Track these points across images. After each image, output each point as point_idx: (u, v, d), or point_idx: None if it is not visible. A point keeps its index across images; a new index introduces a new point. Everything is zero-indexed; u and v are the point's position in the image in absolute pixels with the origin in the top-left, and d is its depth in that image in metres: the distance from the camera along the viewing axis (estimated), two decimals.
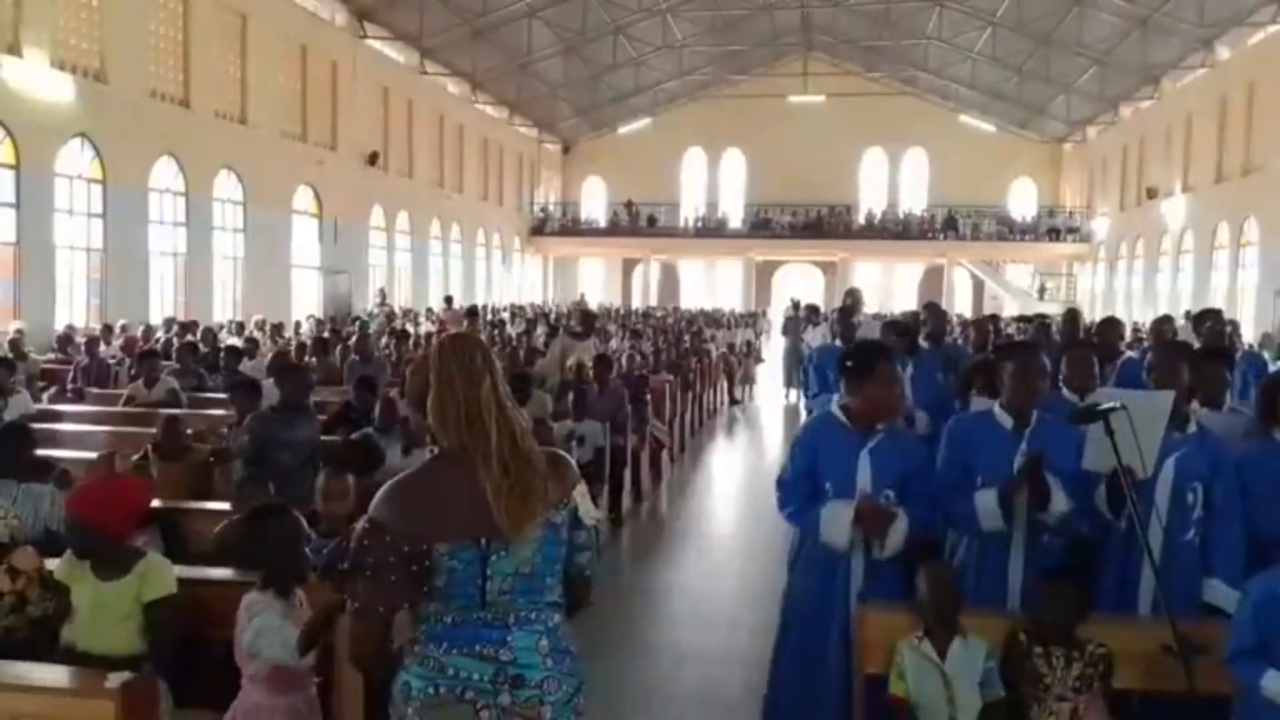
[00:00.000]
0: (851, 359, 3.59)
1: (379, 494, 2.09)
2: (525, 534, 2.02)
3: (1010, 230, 33.51)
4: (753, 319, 25.63)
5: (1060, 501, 3.30)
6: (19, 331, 11.37)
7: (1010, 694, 3.09)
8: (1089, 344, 5.82)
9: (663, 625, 5.73)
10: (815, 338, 10.17)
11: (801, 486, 3.54)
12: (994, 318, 11.09)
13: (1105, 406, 3.09)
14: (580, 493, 2.15)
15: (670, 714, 4.56)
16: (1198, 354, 4.28)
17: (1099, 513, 3.41)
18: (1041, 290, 33.85)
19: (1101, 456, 3.20)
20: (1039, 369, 3.54)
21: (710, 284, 37.56)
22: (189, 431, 6.30)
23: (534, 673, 2.02)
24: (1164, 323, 7.83)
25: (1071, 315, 8.43)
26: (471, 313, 15.21)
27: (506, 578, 2.02)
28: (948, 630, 3.13)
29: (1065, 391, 4.31)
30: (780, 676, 3.66)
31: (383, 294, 22.18)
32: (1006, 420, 3.50)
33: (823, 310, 15.72)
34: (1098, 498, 3.37)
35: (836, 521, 3.38)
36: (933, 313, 7.24)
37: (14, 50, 13.30)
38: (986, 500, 3.36)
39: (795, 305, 17.11)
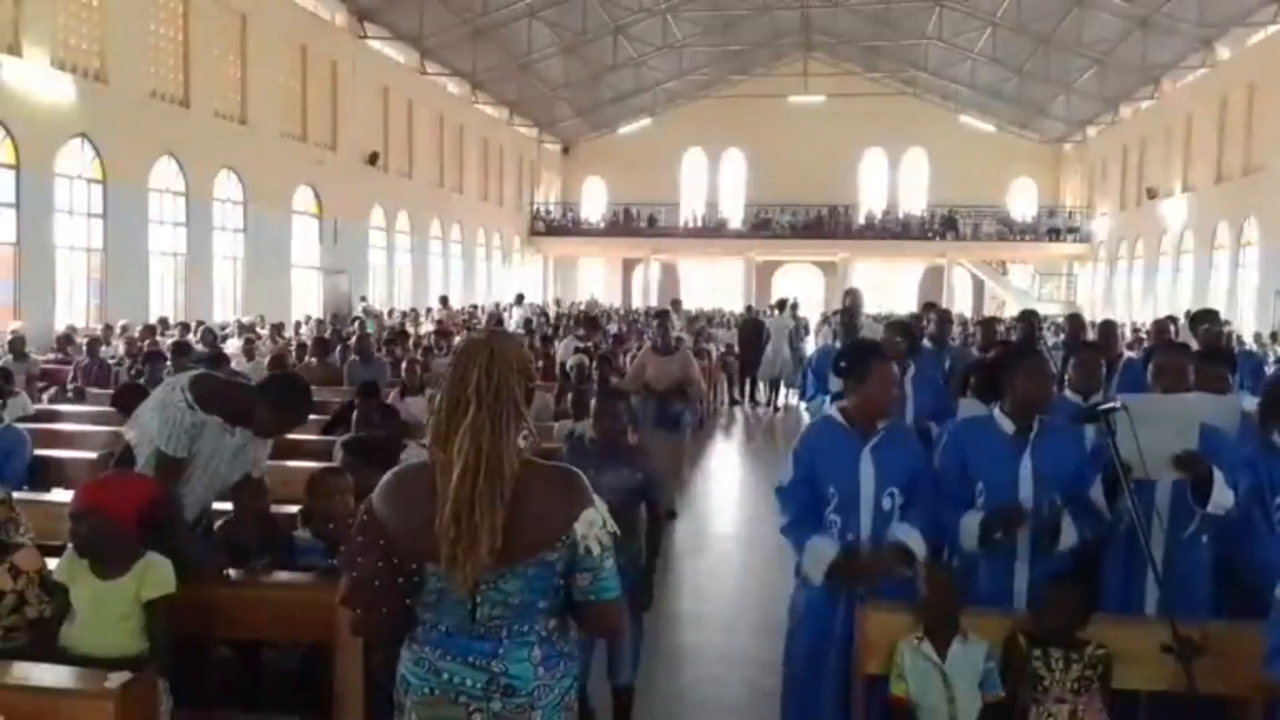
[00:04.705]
0: (846, 359, 3.57)
1: (381, 483, 2.08)
2: (474, 579, 1.94)
3: (1010, 230, 33.54)
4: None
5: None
6: (15, 332, 11.36)
7: (1010, 695, 3.09)
8: (1096, 346, 5.80)
9: (662, 625, 5.72)
10: (818, 338, 10.22)
11: (799, 495, 3.49)
12: (995, 319, 11.01)
13: (1105, 407, 3.09)
14: (585, 520, 1.99)
15: (670, 714, 4.55)
16: (1200, 355, 4.30)
17: (1099, 513, 3.36)
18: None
19: (1142, 461, 3.14)
20: (1048, 374, 3.49)
21: (710, 284, 37.56)
22: None
23: (526, 683, 2.01)
24: (1167, 323, 7.81)
25: (1076, 319, 8.33)
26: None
27: (496, 605, 2.00)
28: (948, 631, 3.12)
29: (1069, 393, 4.30)
30: (790, 679, 3.63)
31: (362, 299, 22.07)
32: (1008, 426, 3.44)
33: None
34: (1094, 493, 3.31)
35: (816, 559, 3.38)
36: (936, 314, 7.21)
37: (14, 50, 13.30)
38: (969, 524, 3.35)
39: (782, 305, 16.92)
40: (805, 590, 3.54)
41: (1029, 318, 8.26)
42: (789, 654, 3.64)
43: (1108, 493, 3.30)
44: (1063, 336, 15.55)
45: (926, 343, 6.63)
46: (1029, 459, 3.37)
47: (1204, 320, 7.28)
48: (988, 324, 8.65)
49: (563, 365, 10.20)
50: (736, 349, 16.41)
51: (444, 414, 1.99)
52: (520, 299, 21.16)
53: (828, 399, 5.87)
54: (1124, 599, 3.42)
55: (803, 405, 8.62)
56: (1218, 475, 3.16)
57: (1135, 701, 3.28)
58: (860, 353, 3.58)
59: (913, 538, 3.33)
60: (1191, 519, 3.36)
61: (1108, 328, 7.23)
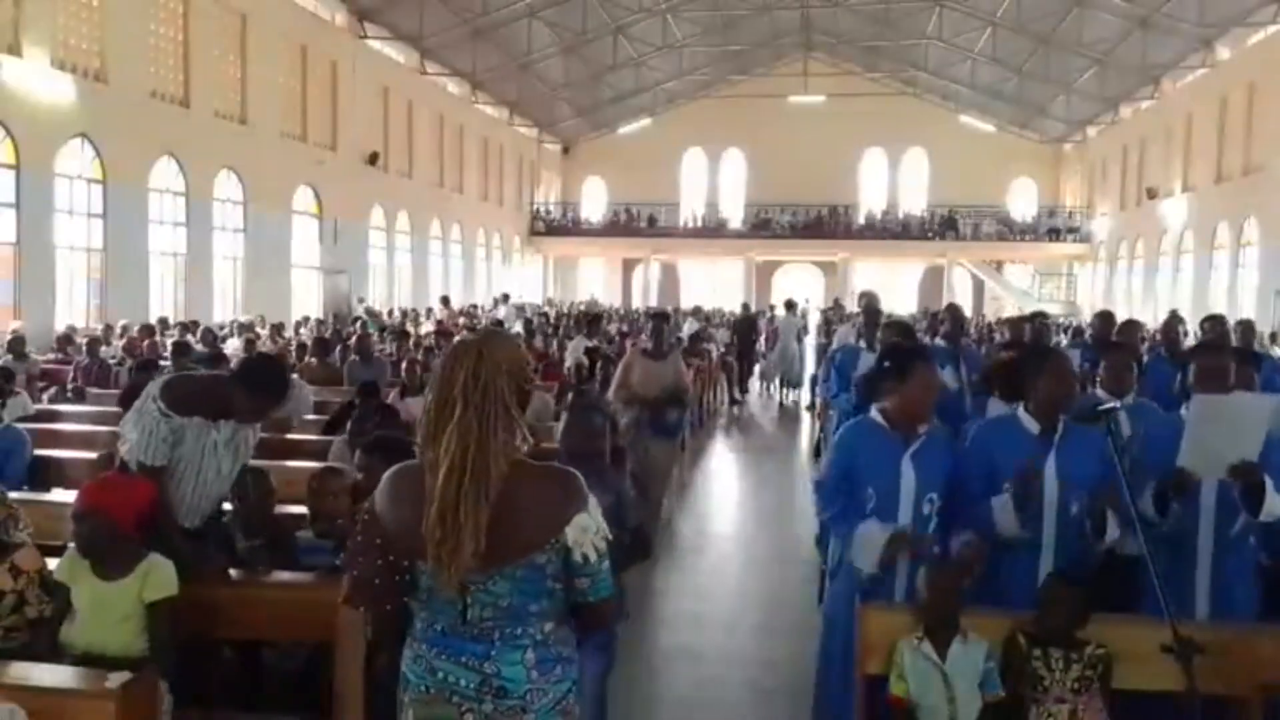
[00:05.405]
0: (889, 360, 3.56)
1: (382, 481, 2.10)
2: (459, 580, 1.95)
3: (1010, 230, 33.54)
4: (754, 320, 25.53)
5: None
6: (15, 332, 11.35)
7: (1010, 695, 3.09)
8: (1126, 347, 5.77)
9: (662, 625, 5.73)
10: (836, 338, 10.46)
11: (842, 490, 3.49)
12: (1022, 318, 11.00)
13: (1105, 406, 3.09)
14: (578, 525, 2.00)
15: (671, 715, 4.55)
16: (1238, 354, 4.32)
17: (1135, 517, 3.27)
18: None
19: (1207, 460, 3.17)
20: (1071, 373, 3.49)
21: (710, 284, 37.54)
22: None
23: (518, 685, 2.01)
24: (1175, 323, 7.80)
25: (1106, 317, 8.26)
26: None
27: (486, 607, 2.00)
28: (948, 631, 3.12)
29: (1101, 393, 4.29)
30: (826, 679, 3.63)
31: (360, 300, 22.23)
32: (1033, 426, 3.42)
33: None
34: (1142, 502, 3.24)
35: (869, 545, 3.35)
36: (951, 313, 7.26)
37: (14, 50, 13.30)
38: (1002, 503, 3.29)
39: (790, 305, 17.15)
40: (845, 591, 3.52)
41: (1035, 319, 8.29)
42: (826, 650, 3.62)
43: (1158, 501, 3.26)
44: (1063, 338, 15.61)
45: (940, 341, 6.65)
46: (1053, 460, 3.35)
47: (1207, 322, 7.35)
48: (1016, 323, 8.68)
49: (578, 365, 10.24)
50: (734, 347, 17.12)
51: (432, 415, 2.01)
52: (505, 298, 21.19)
53: (848, 397, 5.97)
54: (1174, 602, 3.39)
55: (803, 401, 8.60)
56: (1270, 484, 3.16)
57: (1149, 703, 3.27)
58: (902, 354, 3.57)
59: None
60: (1237, 518, 3.35)
61: (1130, 327, 7.21)
